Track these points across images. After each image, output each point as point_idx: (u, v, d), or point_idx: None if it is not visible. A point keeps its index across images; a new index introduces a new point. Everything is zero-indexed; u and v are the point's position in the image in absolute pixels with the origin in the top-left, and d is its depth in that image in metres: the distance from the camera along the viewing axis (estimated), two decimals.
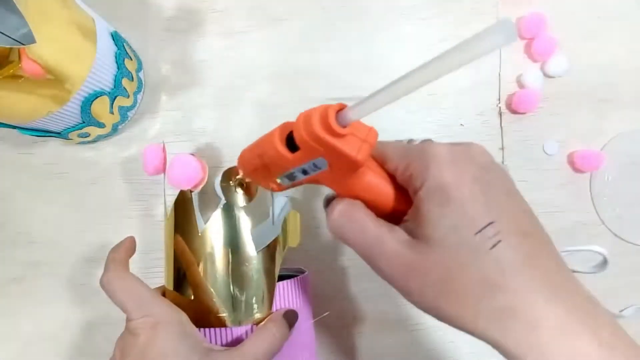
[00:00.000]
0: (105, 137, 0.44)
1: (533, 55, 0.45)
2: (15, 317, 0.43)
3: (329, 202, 0.26)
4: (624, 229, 0.45)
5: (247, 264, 0.32)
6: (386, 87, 0.18)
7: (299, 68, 0.45)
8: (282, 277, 0.34)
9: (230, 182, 0.35)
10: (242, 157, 0.28)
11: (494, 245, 0.20)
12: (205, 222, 0.33)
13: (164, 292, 0.34)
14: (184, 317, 0.29)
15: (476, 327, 0.20)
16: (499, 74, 0.46)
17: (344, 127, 0.20)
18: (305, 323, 0.36)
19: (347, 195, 0.25)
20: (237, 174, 0.36)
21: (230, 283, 0.32)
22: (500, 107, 0.45)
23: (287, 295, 0.33)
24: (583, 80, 0.46)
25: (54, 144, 0.44)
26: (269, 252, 0.33)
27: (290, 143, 0.22)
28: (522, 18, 0.45)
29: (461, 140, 0.23)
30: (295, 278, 0.34)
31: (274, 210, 0.37)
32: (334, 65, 0.45)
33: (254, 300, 0.32)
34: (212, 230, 0.32)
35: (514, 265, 0.20)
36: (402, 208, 0.24)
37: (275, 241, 0.33)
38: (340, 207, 0.24)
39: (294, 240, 0.35)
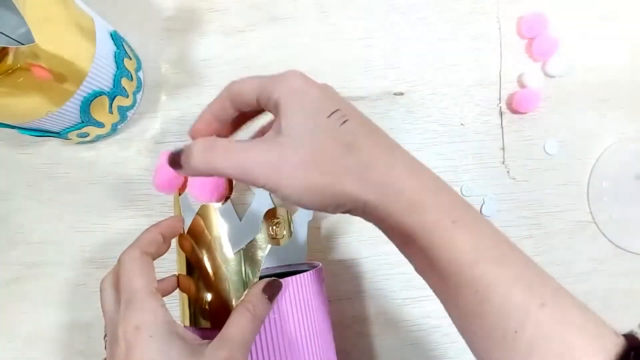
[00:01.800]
0: (104, 137, 0.43)
1: (534, 55, 0.45)
2: (14, 318, 0.43)
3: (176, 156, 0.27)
4: (616, 233, 0.45)
5: (225, 267, 0.31)
6: None
7: (299, 68, 0.45)
8: (294, 273, 0.33)
9: None
10: None
11: (343, 123, 0.25)
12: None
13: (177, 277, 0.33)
14: (168, 316, 0.27)
15: (341, 187, 0.24)
16: (500, 74, 0.45)
17: None
18: (324, 323, 0.35)
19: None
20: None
21: (202, 287, 0.31)
22: (501, 107, 0.45)
23: (298, 290, 0.32)
24: (584, 80, 0.46)
25: (53, 143, 0.44)
26: (248, 252, 0.32)
27: None
28: (523, 17, 0.45)
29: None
30: (306, 272, 0.33)
31: (253, 207, 0.37)
32: (334, 65, 0.45)
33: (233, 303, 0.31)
34: (192, 234, 0.32)
35: (363, 133, 0.25)
36: None
37: (254, 241, 0.32)
38: (202, 143, 0.26)
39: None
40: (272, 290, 0.30)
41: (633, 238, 0.45)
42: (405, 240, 0.25)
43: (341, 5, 0.46)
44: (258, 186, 0.25)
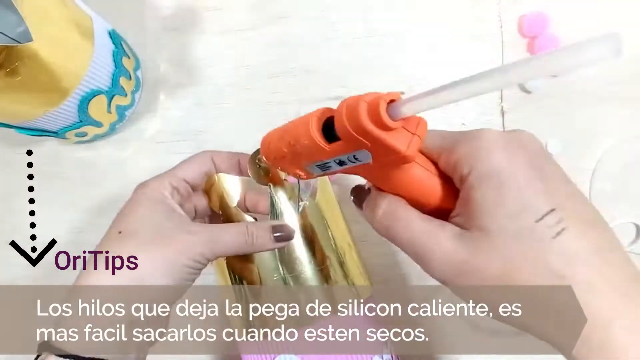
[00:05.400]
0: (102, 136, 0.43)
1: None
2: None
3: (358, 193, 0.25)
4: (617, 234, 0.44)
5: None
6: (454, 84, 0.17)
7: (299, 67, 0.45)
8: None
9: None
10: (267, 143, 0.25)
11: (558, 234, 0.18)
12: None
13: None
14: (166, 193, 0.31)
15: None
16: None
17: (395, 120, 0.18)
18: None
19: (388, 190, 0.23)
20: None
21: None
22: (502, 107, 0.45)
23: None
24: (586, 80, 0.45)
25: (51, 143, 0.44)
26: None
27: (328, 131, 0.20)
28: (524, 16, 0.45)
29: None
30: None
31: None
32: (334, 64, 0.45)
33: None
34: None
35: (582, 255, 0.18)
36: (449, 205, 0.22)
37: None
38: (385, 207, 0.22)
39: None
40: (280, 231, 0.29)
41: (634, 239, 0.44)
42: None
43: (341, 4, 0.46)
44: (427, 272, 0.21)
